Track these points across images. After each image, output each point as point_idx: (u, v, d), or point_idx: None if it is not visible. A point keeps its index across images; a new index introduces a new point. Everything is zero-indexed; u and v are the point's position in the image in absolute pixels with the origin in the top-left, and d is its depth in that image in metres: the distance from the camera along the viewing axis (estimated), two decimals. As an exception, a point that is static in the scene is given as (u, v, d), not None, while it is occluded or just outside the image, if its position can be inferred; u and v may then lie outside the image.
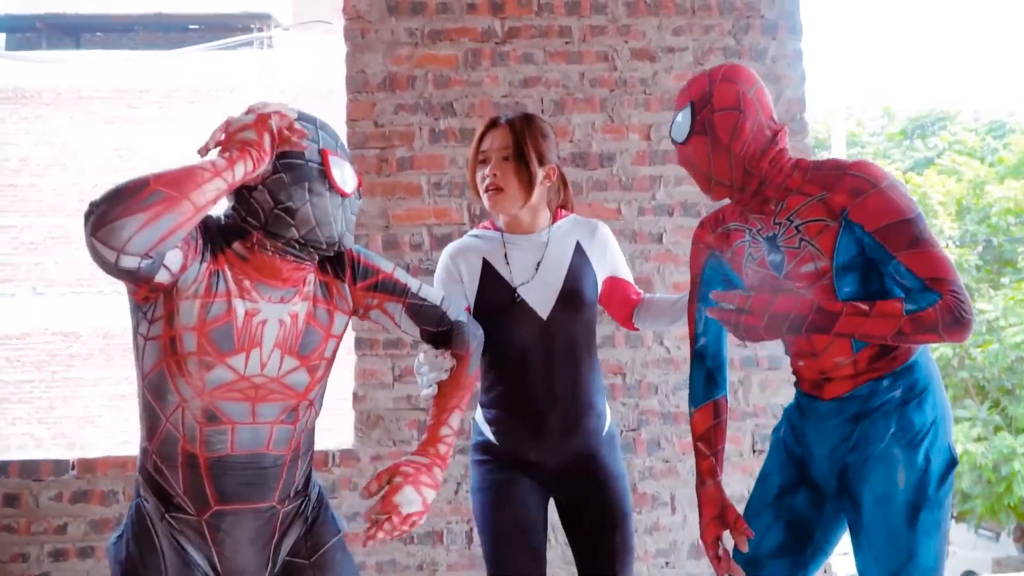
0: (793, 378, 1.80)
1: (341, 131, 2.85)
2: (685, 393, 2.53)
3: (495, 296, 1.94)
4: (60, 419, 10.90)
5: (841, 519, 1.74)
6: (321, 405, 1.62)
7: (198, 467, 1.45)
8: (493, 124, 1.95)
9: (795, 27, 3.00)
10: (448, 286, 1.97)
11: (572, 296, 1.94)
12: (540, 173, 1.92)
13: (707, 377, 1.83)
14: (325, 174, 1.46)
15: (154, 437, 1.47)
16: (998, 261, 12.64)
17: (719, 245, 1.79)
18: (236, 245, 1.49)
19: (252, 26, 12.49)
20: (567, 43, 2.92)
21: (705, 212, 2.79)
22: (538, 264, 1.94)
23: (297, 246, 1.46)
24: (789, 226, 1.63)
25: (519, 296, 1.92)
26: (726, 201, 1.75)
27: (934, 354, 10.92)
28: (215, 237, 1.48)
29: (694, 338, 1.85)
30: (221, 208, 1.51)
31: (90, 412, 11.00)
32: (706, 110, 1.63)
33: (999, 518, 12.06)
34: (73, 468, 2.74)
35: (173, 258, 1.38)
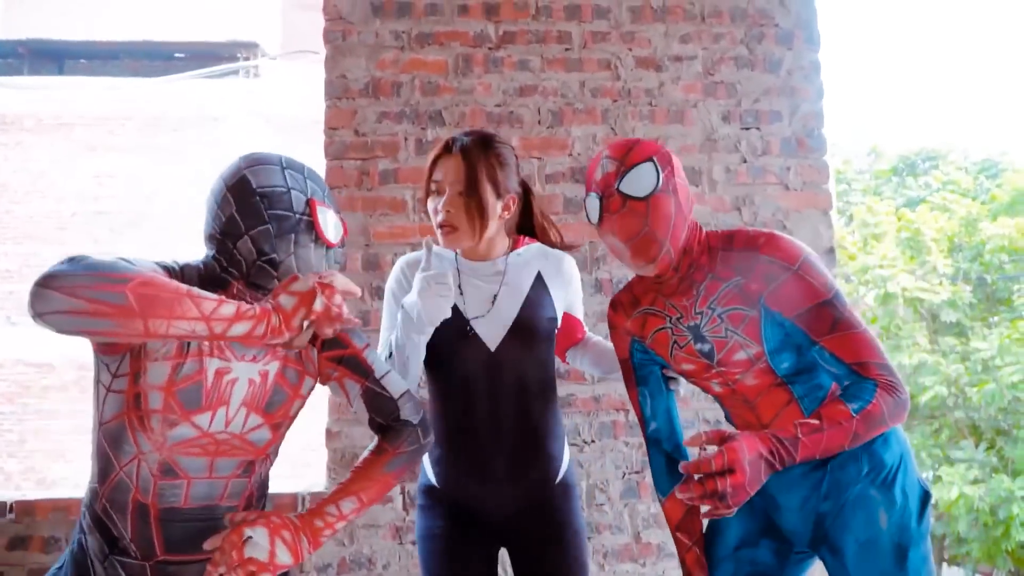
0: None
1: (319, 140, 2.62)
2: (694, 431, 2.30)
3: (444, 324, 1.74)
4: (31, 453, 10.55)
5: (802, 569, 1.71)
6: (277, 454, 1.57)
7: (148, 517, 1.40)
8: (447, 150, 1.79)
9: (812, 37, 2.79)
10: (398, 299, 1.84)
11: (525, 328, 1.80)
12: (498, 206, 1.78)
13: (667, 463, 1.73)
14: (312, 225, 1.42)
15: (105, 482, 1.41)
16: (991, 299, 12.53)
17: (637, 330, 1.70)
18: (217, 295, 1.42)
19: (239, 55, 12.46)
20: (567, 50, 2.70)
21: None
22: (495, 296, 1.81)
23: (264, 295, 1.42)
24: (712, 315, 1.57)
25: (471, 329, 1.79)
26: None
27: (927, 394, 10.79)
28: (196, 285, 1.41)
29: (643, 423, 1.76)
30: (199, 254, 1.47)
31: (62, 446, 10.68)
32: (668, 170, 1.55)
33: (995, 563, 11.82)
34: (11, 511, 2.44)
35: None
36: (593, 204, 1.59)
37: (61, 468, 10.40)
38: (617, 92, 2.70)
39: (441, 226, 1.76)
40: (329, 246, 1.45)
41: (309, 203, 1.43)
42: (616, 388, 2.58)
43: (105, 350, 1.36)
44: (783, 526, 1.65)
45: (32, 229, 11.10)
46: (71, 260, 1.16)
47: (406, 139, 2.61)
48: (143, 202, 11.20)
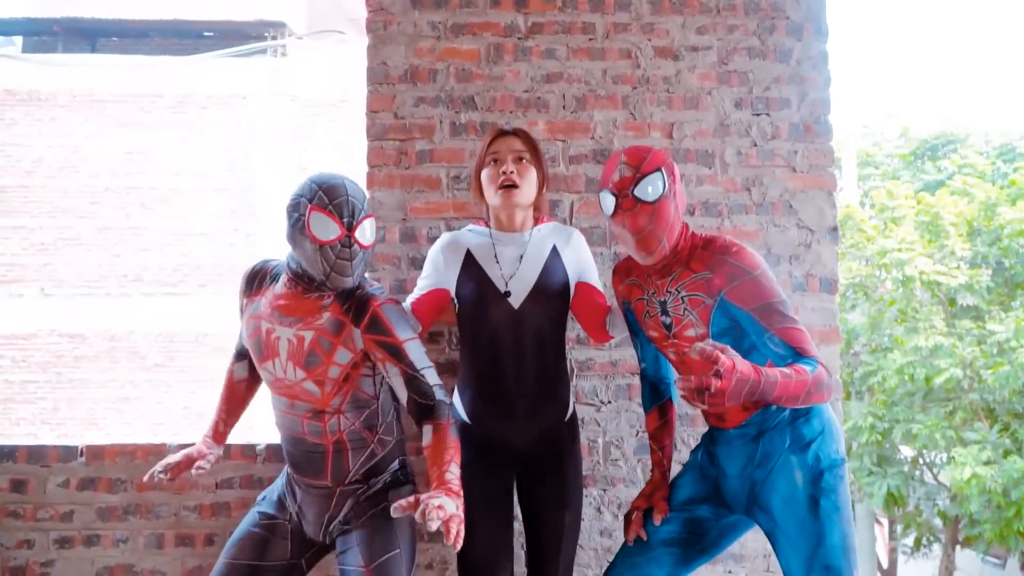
0: None
1: (343, 118, 2.92)
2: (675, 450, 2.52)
3: (479, 289, 2.19)
4: (64, 421, 10.88)
5: (735, 530, 2.10)
6: (355, 416, 2.03)
7: (281, 439, 2.09)
8: (502, 132, 2.26)
9: (821, 29, 2.97)
10: (437, 265, 2.26)
11: (544, 290, 2.18)
12: (537, 180, 2.25)
13: (652, 390, 2.26)
14: (304, 227, 1.87)
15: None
16: (1009, 283, 12.54)
17: (627, 294, 2.15)
18: (285, 276, 1.98)
19: (266, 34, 12.56)
20: (590, 40, 2.90)
21: (727, 213, 2.77)
22: (520, 256, 2.21)
23: (310, 281, 1.92)
24: (676, 296, 1.97)
25: (509, 291, 2.17)
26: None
27: (942, 376, 10.87)
28: (264, 277, 2.06)
29: (638, 361, 2.29)
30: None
31: (94, 415, 11.00)
32: (672, 180, 1.97)
33: (1008, 543, 11.90)
34: (82, 455, 2.70)
35: None
36: (608, 200, 1.98)
37: (92, 435, 10.72)
38: (637, 79, 2.90)
39: (504, 185, 2.18)
40: (315, 242, 1.85)
41: (307, 207, 1.87)
42: (631, 354, 2.79)
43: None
44: (726, 492, 2.04)
45: (66, 203, 11.34)
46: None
47: (441, 122, 2.83)
48: (172, 178, 11.42)
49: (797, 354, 1.83)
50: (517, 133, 2.26)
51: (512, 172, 2.17)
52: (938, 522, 14.20)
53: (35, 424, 10.80)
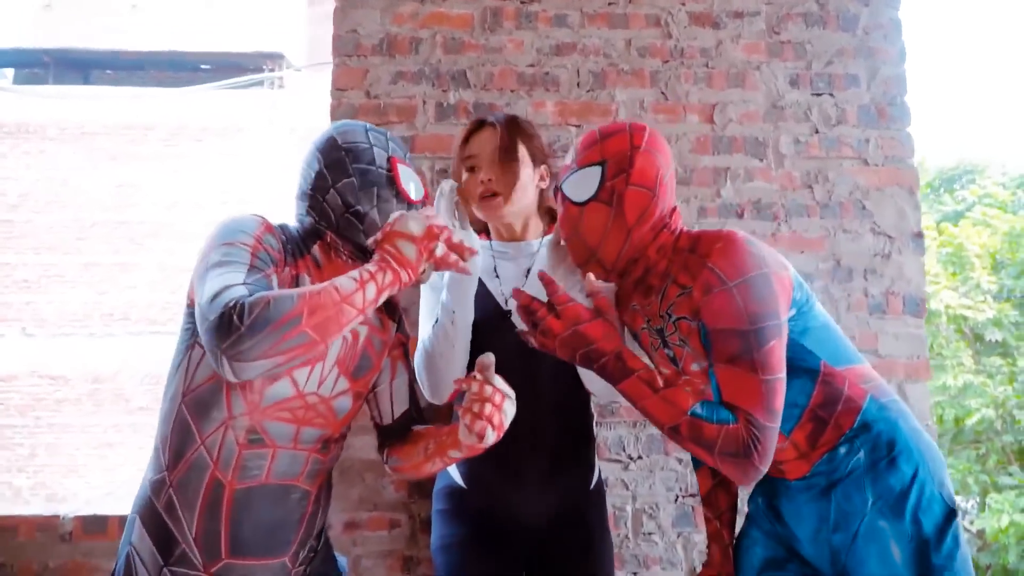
0: None
1: (326, 101, 2.29)
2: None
3: (479, 307, 1.71)
4: (41, 468, 10.31)
5: None
6: (341, 448, 1.56)
7: (221, 503, 1.36)
8: (479, 126, 1.79)
9: (891, -9, 2.42)
10: (435, 287, 1.76)
11: None
12: (535, 175, 1.78)
13: None
14: (393, 180, 1.48)
15: (179, 464, 1.37)
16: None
17: (631, 323, 1.61)
18: (315, 249, 1.48)
19: (264, 66, 12.36)
20: (610, 3, 2.35)
21: (785, 215, 2.19)
22: (528, 271, 1.77)
23: (367, 252, 1.43)
24: (669, 320, 1.49)
25: (511, 310, 1.72)
26: None
27: (973, 418, 10.26)
28: (295, 242, 1.48)
29: None
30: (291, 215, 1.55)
31: (74, 461, 10.45)
32: (620, 178, 1.48)
33: (1049, 597, 11.20)
34: None
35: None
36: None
37: (72, 483, 10.19)
38: (668, 52, 2.34)
39: (482, 197, 1.73)
40: (410, 202, 1.48)
41: (390, 160, 1.49)
42: (667, 393, 2.20)
43: None
44: (805, 555, 1.54)
45: (52, 239, 11.05)
46: (237, 323, 1.20)
47: (425, 102, 2.27)
48: (164, 212, 11.08)
49: (730, 412, 1.34)
50: (496, 124, 1.77)
51: (491, 180, 1.73)
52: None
53: (10, 472, 10.24)
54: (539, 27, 2.32)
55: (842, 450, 1.45)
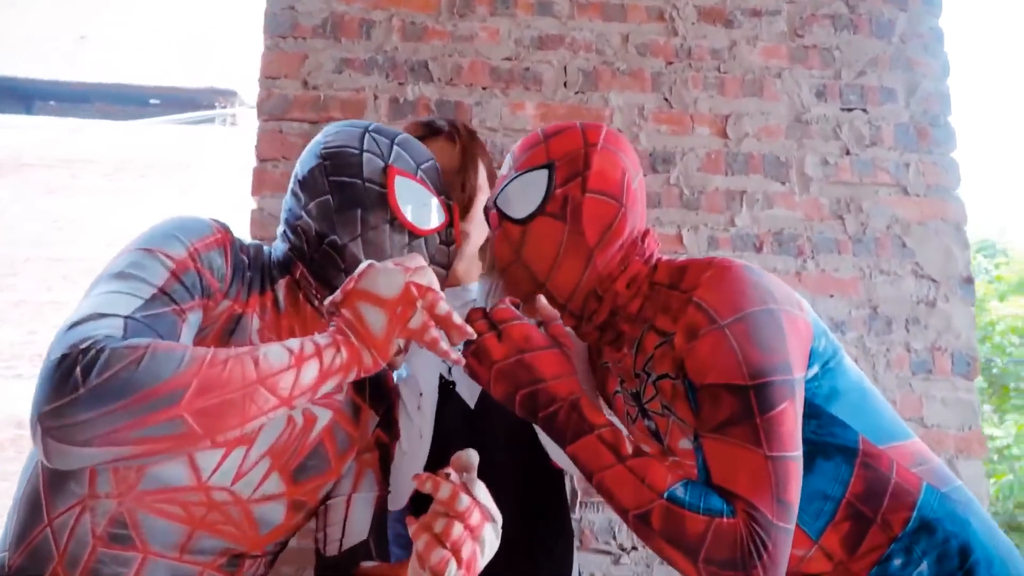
0: None
1: (253, 91, 1.85)
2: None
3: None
4: (-48, 520, 9.54)
5: None
6: (272, 566, 1.12)
7: None
8: (432, 131, 1.34)
9: (932, -3, 2.06)
10: None
11: None
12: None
13: None
14: (386, 200, 1.03)
15: (20, 546, 0.93)
16: (995, 384, 11.88)
17: (601, 384, 1.23)
18: (280, 285, 1.06)
19: (216, 103, 12.07)
20: (605, -9, 1.95)
21: (810, 250, 1.79)
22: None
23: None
24: (648, 381, 1.09)
25: (452, 381, 1.29)
26: None
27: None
28: (261, 269, 1.05)
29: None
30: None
31: (-8, 514, 9.70)
32: (574, 183, 1.09)
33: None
34: None
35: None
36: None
37: (-7, 535, 9.50)
38: (673, 51, 1.95)
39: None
40: (416, 233, 1.06)
41: (387, 170, 1.05)
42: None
43: None
44: None
45: (-21, 275, 10.43)
46: (79, 364, 0.76)
47: (376, 97, 1.84)
48: (103, 248, 10.56)
49: (723, 498, 0.93)
50: (454, 135, 1.34)
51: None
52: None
53: (-85, 525, 9.47)
54: (519, 15, 1.91)
55: (896, 561, 1.05)
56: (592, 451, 0.98)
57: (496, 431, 1.28)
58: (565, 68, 1.91)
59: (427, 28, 1.88)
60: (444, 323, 0.93)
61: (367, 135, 1.08)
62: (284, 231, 1.08)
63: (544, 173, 1.10)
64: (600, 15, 1.94)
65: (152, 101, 12.32)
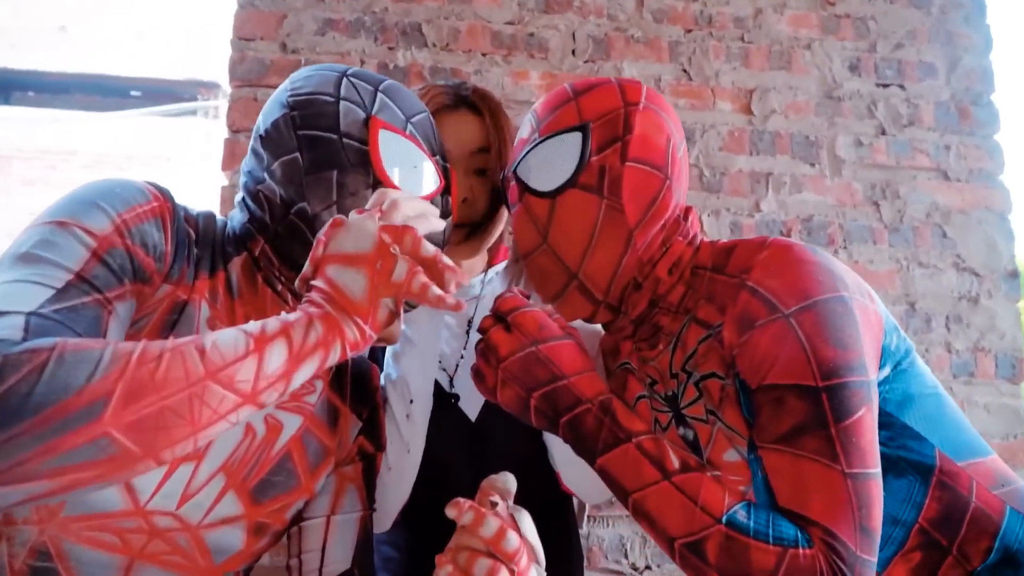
0: None
1: (224, 54, 1.67)
2: None
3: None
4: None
5: None
6: None
7: None
8: (456, 102, 1.13)
9: (974, -36, 1.90)
10: None
11: None
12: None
13: None
14: (367, 159, 0.84)
15: None
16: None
17: (618, 388, 1.02)
18: (235, 263, 0.87)
19: (199, 95, 11.96)
20: (618, -49, 1.77)
21: (842, 239, 1.62)
22: (470, 321, 1.16)
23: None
24: (688, 382, 0.89)
25: (454, 393, 1.12)
26: None
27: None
28: (211, 244, 0.86)
29: None
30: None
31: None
32: (612, 150, 0.90)
33: None
34: None
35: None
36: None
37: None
38: (693, 18, 1.77)
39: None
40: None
41: (369, 122, 0.85)
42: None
43: None
44: None
45: (-47, 268, 10.31)
46: None
47: (363, 62, 1.66)
48: (80, 242, 10.47)
49: (796, 523, 0.76)
50: (482, 107, 1.13)
51: (466, 200, 1.10)
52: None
53: None
54: (523, -25, 1.73)
55: None
56: (630, 465, 0.81)
57: (500, 448, 1.13)
58: (574, 34, 1.73)
59: (421, -13, 1.70)
60: (431, 265, 0.73)
61: (345, 80, 0.89)
62: (243, 198, 0.89)
63: (577, 137, 0.92)
64: (612, -23, 1.76)
65: (133, 93, 12.19)
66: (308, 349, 0.69)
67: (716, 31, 1.77)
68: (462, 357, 1.14)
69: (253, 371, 0.66)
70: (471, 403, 1.14)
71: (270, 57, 1.62)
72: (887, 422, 0.86)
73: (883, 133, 1.78)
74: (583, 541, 1.55)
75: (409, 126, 0.90)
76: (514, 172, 0.96)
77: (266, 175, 0.86)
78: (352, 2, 1.66)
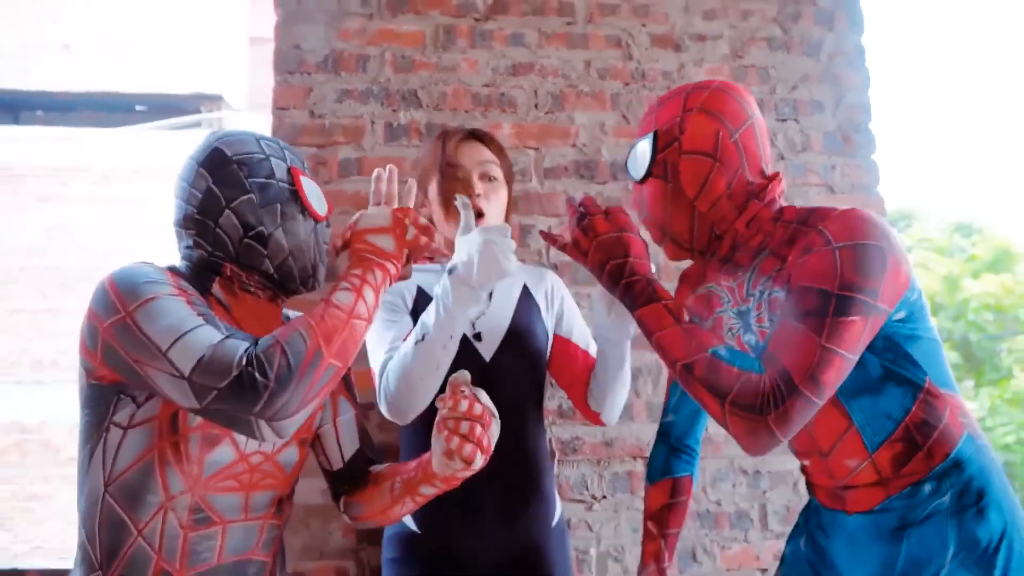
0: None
1: (266, 121, 2.13)
2: (728, 485, 2.07)
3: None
4: (-50, 524, 9.71)
5: None
6: (292, 503, 1.38)
7: None
8: (468, 136, 1.67)
9: (856, 19, 2.37)
10: (399, 311, 1.60)
11: (520, 337, 1.62)
12: (506, 195, 1.70)
13: (668, 456, 1.58)
14: (297, 195, 1.29)
15: (115, 562, 1.17)
16: (973, 359, 12.26)
17: (699, 310, 1.43)
18: (215, 287, 1.27)
19: (202, 108, 12.08)
20: (569, 23, 2.25)
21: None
22: (490, 295, 1.63)
23: (273, 281, 1.27)
24: (760, 299, 1.29)
25: (477, 332, 1.59)
26: None
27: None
28: (191, 283, 1.24)
29: (663, 410, 1.61)
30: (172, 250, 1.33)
31: None
32: (671, 148, 1.32)
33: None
34: None
35: None
36: None
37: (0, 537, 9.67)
38: (629, 74, 2.25)
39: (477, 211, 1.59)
40: (317, 219, 1.31)
41: (291, 171, 1.29)
42: (632, 429, 2.07)
43: (132, 381, 1.15)
44: None
45: (-25, 285, 10.54)
46: (255, 371, 1.06)
47: (373, 122, 2.13)
48: (97, 256, 10.67)
49: (768, 360, 1.14)
50: (483, 138, 1.68)
51: (479, 196, 1.60)
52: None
53: (-81, 529, 9.64)
54: (495, 46, 2.21)
55: (927, 487, 1.23)
56: (657, 315, 1.22)
57: (506, 384, 1.54)
58: (536, 92, 2.21)
59: (415, 60, 2.17)
60: (423, 229, 1.27)
61: (260, 142, 1.31)
62: (195, 238, 1.26)
63: (647, 142, 1.34)
64: (565, 44, 2.24)
65: (138, 107, 12.26)
66: (378, 283, 1.22)
67: (648, 83, 2.25)
68: (484, 313, 1.60)
69: (364, 306, 1.18)
70: (487, 347, 1.57)
71: (301, 122, 2.10)
72: (895, 347, 1.20)
73: (781, 158, 2.26)
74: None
75: (306, 168, 1.36)
76: (625, 165, 1.40)
77: (227, 211, 1.24)
78: (363, 75, 2.14)
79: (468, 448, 1.15)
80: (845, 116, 2.31)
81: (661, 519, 1.53)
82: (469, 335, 1.56)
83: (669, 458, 1.57)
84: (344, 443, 1.40)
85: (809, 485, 1.39)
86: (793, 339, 1.12)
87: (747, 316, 1.31)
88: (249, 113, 12.02)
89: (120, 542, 1.16)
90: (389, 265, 1.23)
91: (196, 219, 1.25)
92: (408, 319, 1.58)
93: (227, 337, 1.09)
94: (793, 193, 2.22)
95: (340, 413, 1.41)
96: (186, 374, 1.06)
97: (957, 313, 12.14)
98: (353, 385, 1.45)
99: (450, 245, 1.61)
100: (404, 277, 1.28)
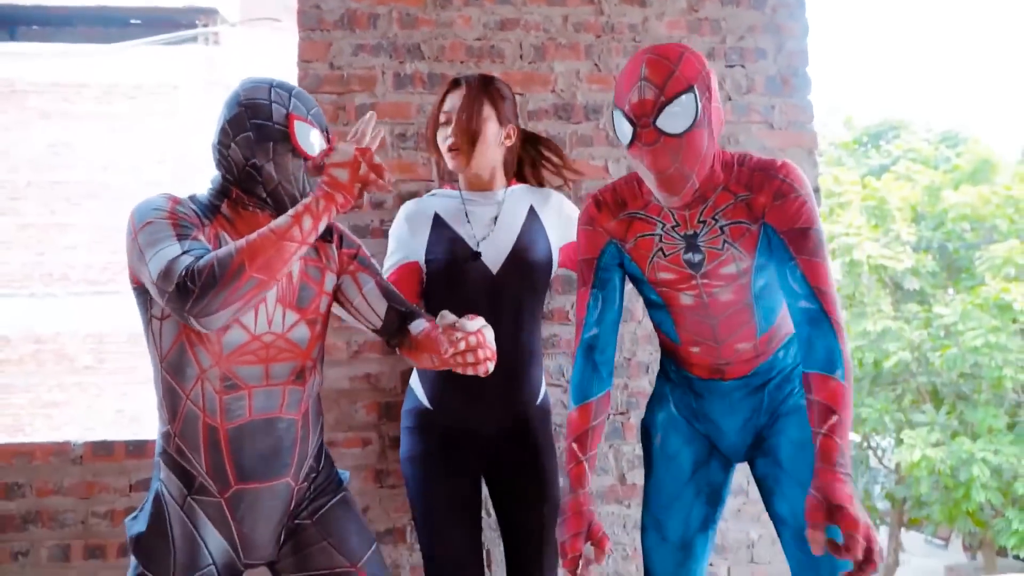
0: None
1: (292, 72, 2.52)
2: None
3: (451, 251, 1.95)
4: (-15, 428, 10.26)
5: (731, 475, 1.87)
6: (323, 374, 1.71)
7: (219, 442, 1.53)
8: (455, 85, 2.01)
9: (797, -27, 2.73)
10: (401, 245, 2.00)
11: (523, 254, 1.96)
12: (500, 133, 2.00)
13: (591, 373, 1.69)
14: (288, 136, 1.54)
15: (176, 418, 1.54)
16: (952, 267, 12.66)
17: (619, 233, 1.71)
18: (224, 207, 1.58)
19: (197, 21, 12.08)
20: (548, -17, 2.62)
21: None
22: (495, 218, 1.98)
23: (269, 205, 1.55)
24: (714, 226, 1.62)
25: (479, 253, 1.95)
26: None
27: (890, 360, 10.87)
28: (206, 205, 1.58)
29: (582, 326, 1.71)
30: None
31: (19, 421, 10.41)
32: (706, 99, 1.55)
33: (955, 524, 12.01)
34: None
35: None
36: (625, 129, 1.56)
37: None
38: (600, 27, 2.63)
39: (450, 149, 1.97)
40: (306, 158, 1.54)
41: (288, 116, 1.55)
42: (601, 329, 2.53)
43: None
44: (722, 446, 1.81)
45: (-17, 200, 10.75)
46: (191, 287, 1.34)
47: (383, 73, 2.52)
48: (100, 171, 10.90)
49: (812, 295, 1.54)
50: (470, 83, 2.00)
51: (451, 139, 1.96)
52: (884, 504, 14.30)
53: (-47, 432, 10.17)
54: (485, 4, 2.58)
55: (780, 353, 1.74)
56: (845, 438, 1.49)
57: (509, 293, 1.94)
58: (520, 44, 2.59)
59: (418, 18, 2.55)
60: (376, 168, 1.43)
61: (273, 90, 1.57)
62: (217, 163, 1.58)
63: (692, 96, 1.50)
64: (546, 2, 2.61)
65: (133, 21, 12.27)
66: (320, 212, 1.42)
67: (616, 36, 2.63)
68: (486, 237, 1.95)
69: (299, 230, 1.39)
70: (493, 262, 1.93)
71: (323, 73, 2.49)
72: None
73: (729, 100, 2.66)
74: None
75: (309, 115, 1.58)
76: (653, 124, 1.50)
77: (232, 144, 1.54)
78: (374, 32, 2.52)
79: (481, 368, 1.48)
80: (785, 62, 2.69)
81: (586, 442, 1.63)
82: (473, 251, 1.96)
83: (592, 377, 1.68)
84: (375, 306, 1.69)
85: (684, 366, 1.81)
86: (821, 273, 1.54)
87: (694, 239, 1.64)
88: (244, 28, 12.08)
89: (176, 404, 1.53)
90: (337, 195, 1.42)
91: (218, 148, 1.57)
92: (410, 248, 1.98)
93: (183, 252, 1.38)
94: (737, 130, 2.64)
95: (363, 285, 1.69)
96: (154, 280, 1.37)
97: (937, 223, 12.49)
98: (368, 260, 1.73)
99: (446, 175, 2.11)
100: (357, 207, 1.47)
